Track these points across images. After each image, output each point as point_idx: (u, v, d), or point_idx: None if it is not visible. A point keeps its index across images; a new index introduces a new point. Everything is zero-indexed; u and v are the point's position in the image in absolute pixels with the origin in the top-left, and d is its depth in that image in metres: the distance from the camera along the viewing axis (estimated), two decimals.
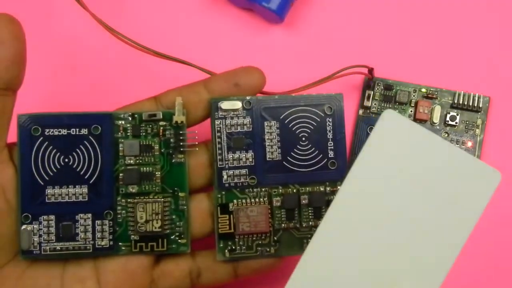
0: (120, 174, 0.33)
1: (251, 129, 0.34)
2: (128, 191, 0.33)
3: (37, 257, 0.32)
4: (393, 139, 0.29)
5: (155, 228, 0.33)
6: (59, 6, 0.43)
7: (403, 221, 0.29)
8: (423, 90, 0.42)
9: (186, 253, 0.34)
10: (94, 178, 0.32)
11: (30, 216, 0.32)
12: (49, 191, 0.32)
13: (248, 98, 0.34)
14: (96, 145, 0.33)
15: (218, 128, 0.33)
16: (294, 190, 0.34)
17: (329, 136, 0.34)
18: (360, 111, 0.42)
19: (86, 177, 0.32)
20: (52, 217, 0.32)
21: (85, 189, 0.32)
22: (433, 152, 0.29)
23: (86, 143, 0.33)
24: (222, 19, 0.43)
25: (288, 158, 0.34)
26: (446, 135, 0.41)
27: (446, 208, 0.29)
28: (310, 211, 0.34)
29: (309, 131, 0.34)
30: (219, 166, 0.33)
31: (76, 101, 0.41)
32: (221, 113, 0.33)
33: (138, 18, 0.43)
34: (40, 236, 0.32)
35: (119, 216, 0.33)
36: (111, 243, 0.33)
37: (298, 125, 0.34)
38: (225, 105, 0.33)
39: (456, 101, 0.41)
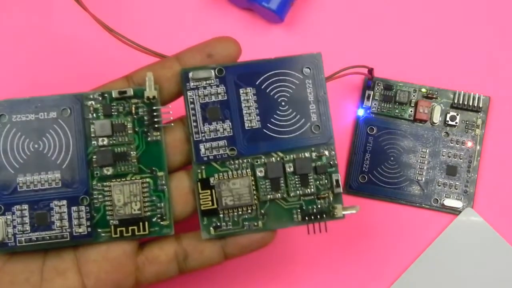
0: (94, 157, 0.31)
1: (226, 98, 0.32)
2: (103, 174, 0.31)
3: (13, 250, 0.31)
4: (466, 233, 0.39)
5: (135, 210, 0.31)
6: (59, 6, 0.43)
7: None
8: (423, 90, 0.41)
9: (170, 236, 0.32)
10: (66, 162, 0.31)
11: (2, 206, 0.31)
12: (20, 179, 0.31)
13: (220, 65, 0.32)
14: (67, 128, 0.31)
15: (191, 100, 0.32)
16: (278, 158, 0.32)
17: (310, 98, 0.32)
18: (360, 111, 0.41)
19: (58, 162, 0.31)
20: (26, 206, 0.31)
21: (58, 175, 0.31)
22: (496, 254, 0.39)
23: (55, 127, 0.31)
24: (222, 19, 0.43)
25: (269, 125, 0.32)
26: (446, 135, 0.41)
27: None
28: (296, 179, 0.32)
29: (288, 95, 0.32)
30: (195, 139, 0.32)
31: None
32: (193, 83, 0.32)
33: (138, 18, 0.43)
34: (14, 227, 0.31)
35: (95, 201, 0.31)
36: (89, 229, 0.31)
37: (276, 90, 0.32)
38: (195, 74, 0.32)
39: (456, 101, 0.41)
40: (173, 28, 0.43)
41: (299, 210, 0.32)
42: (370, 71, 0.40)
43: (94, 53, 0.42)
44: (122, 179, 0.31)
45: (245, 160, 0.32)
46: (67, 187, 0.31)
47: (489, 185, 0.40)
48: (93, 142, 0.31)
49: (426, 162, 0.40)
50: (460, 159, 0.40)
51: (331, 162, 0.32)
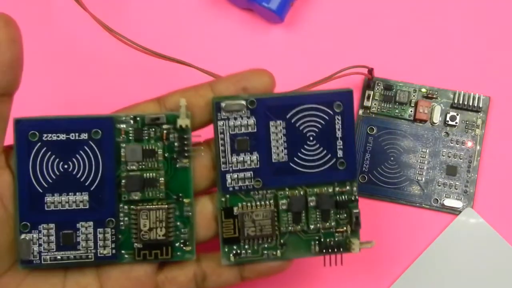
0: (122, 181, 0.32)
1: (255, 130, 0.32)
2: (131, 198, 0.32)
3: (38, 267, 0.31)
4: (466, 233, 0.40)
5: (159, 236, 0.32)
6: (59, 6, 0.42)
7: None
8: (423, 90, 0.42)
9: None
10: (95, 185, 0.31)
11: (29, 224, 0.31)
12: (48, 198, 0.31)
13: (252, 96, 0.32)
14: (97, 150, 0.31)
15: (221, 130, 0.32)
16: (301, 192, 0.33)
17: (338, 135, 0.33)
18: (360, 111, 0.42)
19: (86, 184, 0.31)
20: (52, 225, 0.31)
21: (85, 197, 0.31)
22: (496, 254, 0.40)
23: (86, 148, 0.31)
24: (222, 19, 0.43)
25: (295, 159, 0.32)
26: (446, 135, 0.41)
27: None
28: (317, 213, 0.33)
29: (317, 130, 0.32)
30: (222, 169, 0.32)
31: (75, 103, 0.41)
32: (224, 113, 0.32)
33: (138, 18, 0.43)
34: (40, 245, 0.31)
35: (121, 223, 0.32)
36: (114, 251, 0.32)
37: (305, 124, 0.32)
38: (228, 106, 0.32)
39: (456, 101, 0.41)
40: (173, 28, 0.43)
41: (317, 242, 0.33)
42: (370, 71, 0.40)
43: (94, 53, 0.42)
44: (149, 204, 0.32)
45: (269, 191, 0.33)
46: (94, 209, 0.31)
47: (489, 185, 0.41)
48: (122, 166, 0.32)
49: (426, 162, 0.41)
50: (460, 159, 0.41)
51: (352, 198, 0.33)
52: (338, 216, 0.33)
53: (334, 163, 0.33)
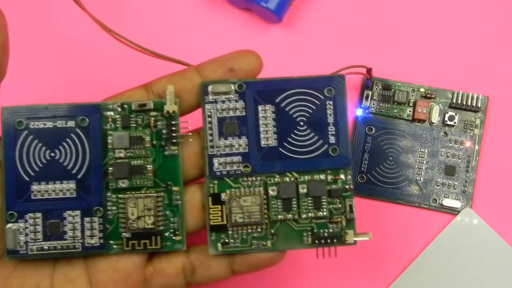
0: (109, 168, 0.31)
1: (244, 114, 0.32)
2: (119, 186, 0.31)
3: (24, 257, 0.31)
4: (464, 233, 0.40)
5: (148, 224, 0.31)
6: (58, 7, 0.43)
7: None
8: (422, 90, 0.42)
9: None
10: (82, 173, 0.31)
11: (15, 214, 0.31)
12: (35, 187, 0.31)
13: (240, 80, 0.32)
14: (84, 138, 0.31)
15: (209, 113, 0.32)
16: (292, 179, 0.32)
17: (330, 120, 0.32)
18: (359, 111, 0.41)
19: (73, 172, 0.31)
20: (39, 214, 0.31)
21: (72, 185, 0.31)
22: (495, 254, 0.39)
23: (73, 136, 0.31)
24: (221, 19, 0.43)
25: (285, 144, 0.32)
26: (445, 135, 0.41)
27: None
28: (309, 201, 0.32)
29: (308, 115, 0.32)
30: (210, 153, 0.32)
31: (73, 101, 0.41)
32: (211, 97, 0.32)
33: (137, 18, 0.43)
34: (26, 235, 0.31)
35: (109, 212, 0.31)
36: (102, 241, 0.31)
37: (295, 109, 0.32)
38: (215, 88, 0.31)
39: (454, 101, 0.41)
40: (172, 28, 0.43)
41: (309, 233, 0.32)
42: (369, 71, 0.40)
43: (93, 53, 0.42)
44: (137, 192, 0.31)
45: (258, 178, 0.32)
46: (81, 198, 0.31)
47: (488, 185, 0.41)
48: (109, 153, 0.31)
49: (424, 162, 0.41)
50: (459, 159, 0.41)
51: (346, 187, 0.32)
52: (331, 206, 0.32)
53: (326, 149, 0.32)
